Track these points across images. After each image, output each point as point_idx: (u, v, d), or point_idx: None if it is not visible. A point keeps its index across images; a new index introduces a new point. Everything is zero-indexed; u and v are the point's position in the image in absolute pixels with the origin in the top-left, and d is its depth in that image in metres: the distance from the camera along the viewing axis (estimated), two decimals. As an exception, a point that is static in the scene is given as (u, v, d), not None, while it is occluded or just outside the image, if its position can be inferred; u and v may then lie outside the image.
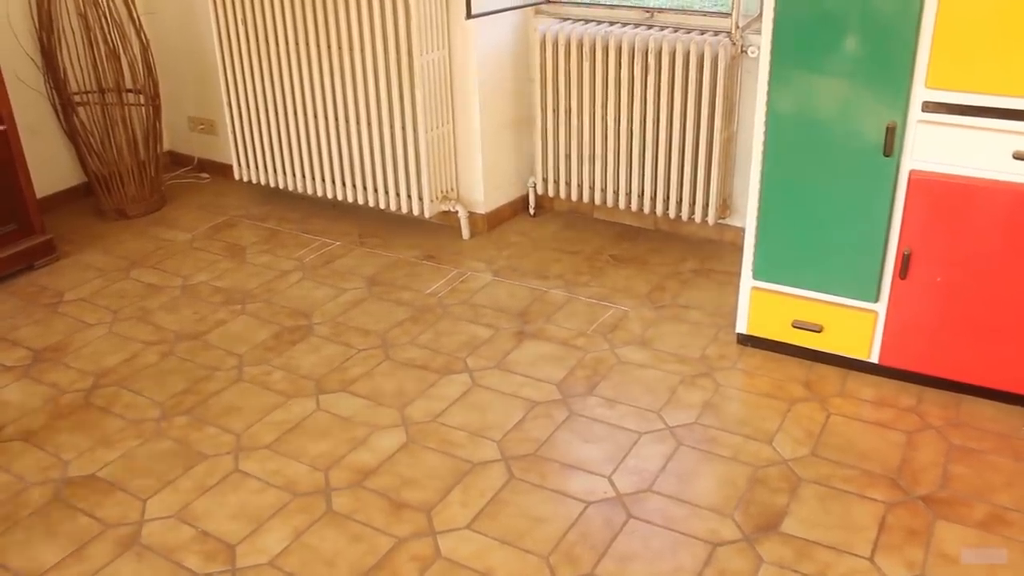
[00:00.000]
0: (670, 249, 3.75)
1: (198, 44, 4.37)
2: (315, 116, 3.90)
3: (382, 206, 3.92)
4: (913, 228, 2.54)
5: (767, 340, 2.93)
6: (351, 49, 3.66)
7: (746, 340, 2.99)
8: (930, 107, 2.40)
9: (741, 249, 2.88)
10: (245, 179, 4.27)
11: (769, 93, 2.59)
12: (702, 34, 3.42)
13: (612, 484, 2.40)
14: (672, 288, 3.43)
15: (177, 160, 4.83)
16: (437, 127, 3.72)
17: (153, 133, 4.22)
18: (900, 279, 2.61)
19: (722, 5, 3.69)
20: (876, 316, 2.70)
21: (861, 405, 2.70)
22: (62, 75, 4.05)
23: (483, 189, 3.89)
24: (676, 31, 3.47)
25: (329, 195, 4.05)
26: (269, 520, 2.31)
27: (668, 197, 3.66)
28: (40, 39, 4.03)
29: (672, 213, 3.68)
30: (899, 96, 2.42)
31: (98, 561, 2.19)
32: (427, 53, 3.56)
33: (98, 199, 4.23)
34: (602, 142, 3.72)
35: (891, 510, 2.28)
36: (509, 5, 3.74)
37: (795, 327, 2.83)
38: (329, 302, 3.40)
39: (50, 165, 4.22)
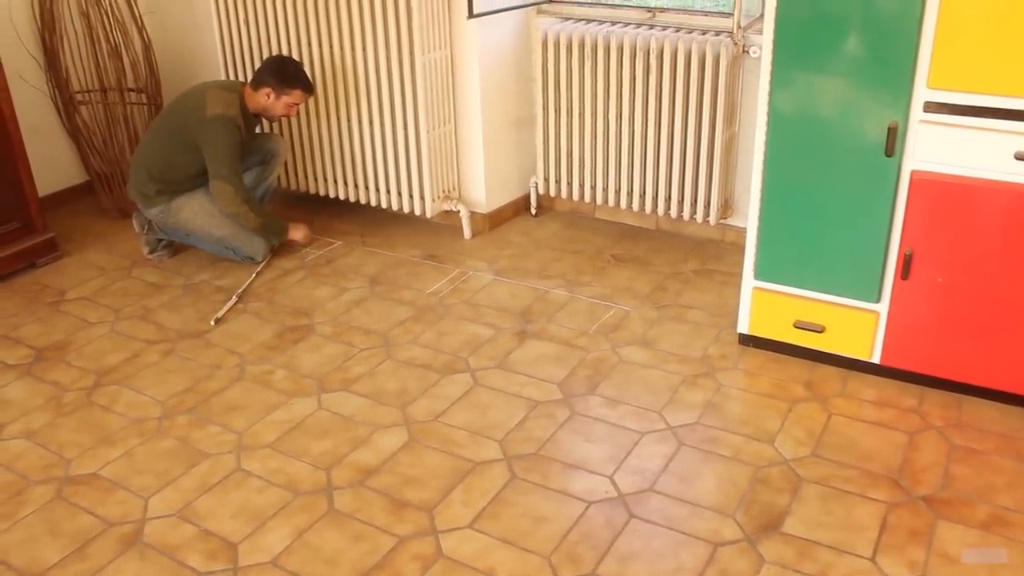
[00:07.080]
0: (672, 249, 3.75)
1: (200, 43, 4.37)
2: (316, 115, 3.91)
3: (384, 205, 3.92)
4: (915, 228, 2.54)
5: (768, 340, 2.93)
6: (353, 48, 3.66)
7: (747, 340, 2.99)
8: (932, 107, 2.40)
9: (743, 249, 2.88)
10: (247, 178, 4.27)
11: (771, 93, 2.59)
12: (704, 34, 3.42)
13: (614, 484, 2.40)
14: (674, 288, 3.43)
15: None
16: (439, 126, 3.72)
17: (155, 132, 4.22)
18: (902, 279, 2.61)
19: (724, 5, 3.69)
20: (878, 316, 2.70)
21: (862, 405, 2.70)
22: (64, 74, 4.05)
23: (485, 189, 3.89)
24: (678, 31, 3.48)
25: (331, 194, 4.05)
26: (271, 519, 2.31)
27: (670, 197, 3.66)
28: (42, 38, 4.03)
29: (674, 213, 3.68)
30: (901, 96, 2.42)
31: (100, 560, 2.19)
32: (429, 52, 3.56)
33: (100, 198, 4.23)
34: (604, 142, 3.72)
35: (892, 510, 2.28)
36: (511, 5, 3.74)
37: (796, 327, 2.83)
38: (331, 301, 3.40)
39: (52, 164, 4.23)
